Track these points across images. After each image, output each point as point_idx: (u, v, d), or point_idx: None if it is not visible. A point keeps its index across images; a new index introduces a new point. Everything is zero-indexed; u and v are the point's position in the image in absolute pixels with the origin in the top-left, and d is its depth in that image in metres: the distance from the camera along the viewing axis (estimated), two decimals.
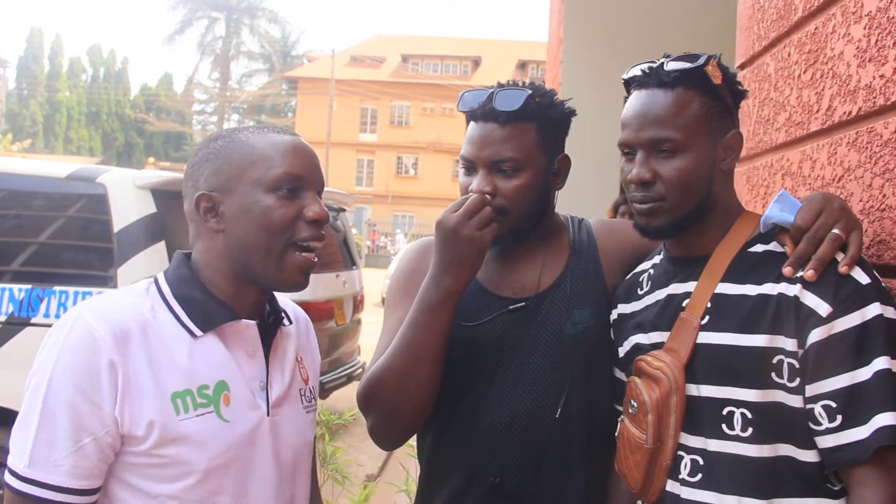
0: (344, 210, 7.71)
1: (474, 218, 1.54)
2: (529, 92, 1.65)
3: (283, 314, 1.47)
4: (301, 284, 1.38)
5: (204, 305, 1.34)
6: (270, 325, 1.44)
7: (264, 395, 1.38)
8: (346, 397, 6.93)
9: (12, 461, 1.24)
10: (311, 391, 1.51)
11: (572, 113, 1.73)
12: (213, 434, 1.29)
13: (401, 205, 43.95)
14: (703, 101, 1.42)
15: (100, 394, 1.23)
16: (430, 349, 1.57)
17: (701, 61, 1.41)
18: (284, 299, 1.55)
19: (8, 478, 1.23)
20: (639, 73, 1.47)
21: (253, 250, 1.33)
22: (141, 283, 1.39)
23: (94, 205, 4.21)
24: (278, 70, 53.31)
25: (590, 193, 3.34)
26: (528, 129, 1.64)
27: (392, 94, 43.99)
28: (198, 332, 1.33)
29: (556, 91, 1.72)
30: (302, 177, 1.35)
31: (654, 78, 1.44)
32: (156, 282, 1.38)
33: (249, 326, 1.38)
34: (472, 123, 1.68)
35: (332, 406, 3.54)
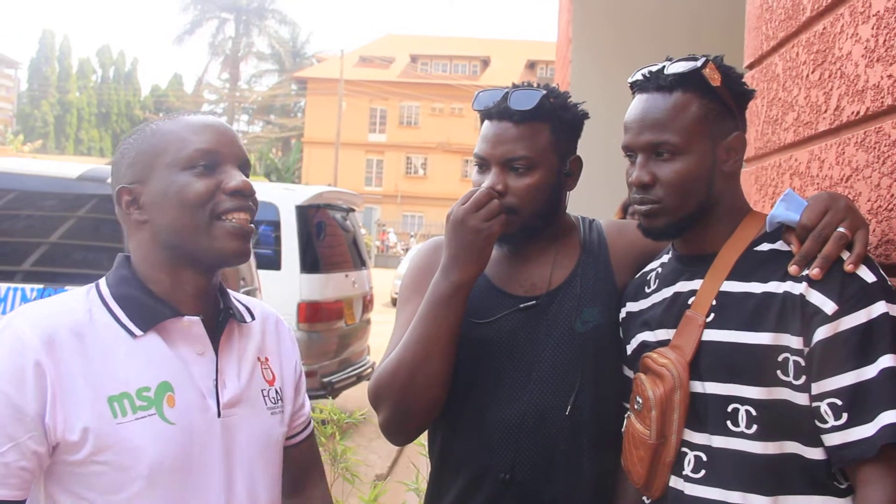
0: (353, 210, 7.73)
1: (482, 210, 1.56)
2: (544, 92, 1.67)
3: (235, 311, 1.41)
4: (239, 251, 1.32)
5: (142, 303, 1.30)
6: (221, 321, 1.38)
7: (215, 394, 1.32)
8: (356, 397, 6.96)
9: None
10: (276, 392, 1.44)
11: (585, 115, 1.75)
12: (156, 437, 1.23)
13: (410, 205, 43.98)
14: (702, 104, 1.42)
15: (24, 398, 1.17)
16: (441, 342, 1.58)
17: (698, 64, 1.42)
18: (251, 299, 1.50)
19: None
20: (640, 77, 1.49)
21: (179, 231, 1.30)
22: (83, 287, 1.34)
23: (105, 205, 4.24)
24: (288, 70, 53.44)
25: (599, 193, 3.35)
26: (542, 130, 1.66)
27: (401, 95, 44.02)
28: (137, 331, 1.28)
29: (569, 93, 1.74)
30: (217, 150, 1.32)
31: (653, 82, 1.46)
32: (97, 285, 1.34)
33: (194, 323, 1.32)
34: (486, 122, 1.70)
35: (342, 405, 3.55)
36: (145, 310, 1.29)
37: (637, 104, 1.48)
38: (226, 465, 1.31)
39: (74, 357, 1.21)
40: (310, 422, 1.60)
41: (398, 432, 1.69)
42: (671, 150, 1.42)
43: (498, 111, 1.67)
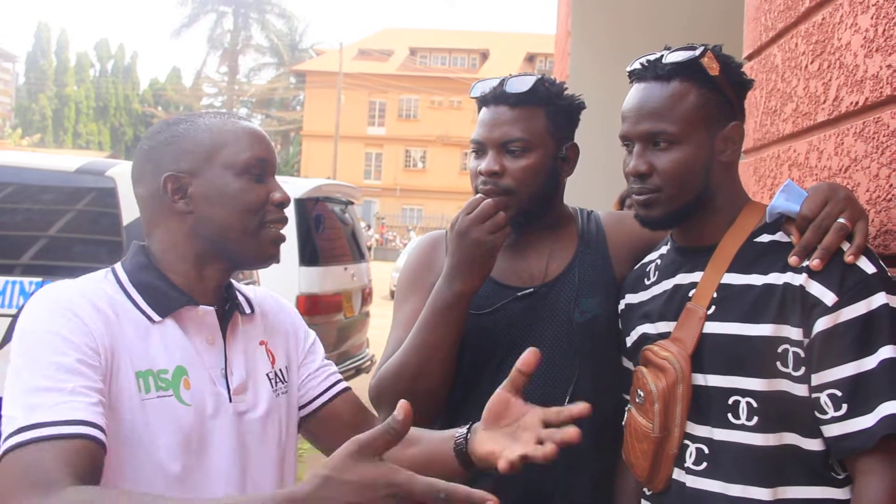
0: (352, 203, 7.72)
1: (487, 222, 1.55)
2: (539, 76, 1.70)
3: (239, 301, 1.45)
4: (274, 257, 1.41)
5: (161, 291, 1.34)
6: (227, 311, 1.42)
7: (224, 382, 1.36)
8: (354, 389, 6.97)
9: (7, 427, 1.12)
10: (280, 372, 1.47)
11: (581, 104, 1.76)
12: (174, 417, 1.27)
13: (409, 198, 43.95)
14: (700, 94, 1.42)
15: (81, 334, 1.20)
16: (443, 349, 1.60)
17: (696, 53, 1.42)
18: (246, 288, 1.53)
19: (7, 442, 1.10)
20: (638, 66, 1.48)
21: (228, 230, 1.35)
22: (97, 272, 1.37)
23: (103, 198, 4.24)
24: (286, 64, 53.33)
25: (596, 185, 3.34)
26: (538, 114, 1.68)
27: (400, 88, 43.95)
28: (156, 317, 1.32)
29: (566, 83, 1.75)
30: (268, 161, 1.39)
31: (651, 71, 1.45)
32: (112, 271, 1.37)
33: (208, 313, 1.37)
34: (483, 109, 1.73)
35: None
36: (163, 297, 1.33)
37: (634, 93, 1.48)
38: (237, 448, 1.35)
39: (111, 326, 1.25)
40: (340, 379, 1.59)
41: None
42: (668, 140, 1.42)
43: (494, 96, 1.70)
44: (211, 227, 1.35)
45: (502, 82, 1.70)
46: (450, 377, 1.63)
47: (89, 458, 1.11)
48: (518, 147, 1.66)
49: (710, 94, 1.43)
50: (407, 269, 1.83)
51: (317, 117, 43.36)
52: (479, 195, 1.59)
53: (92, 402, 1.15)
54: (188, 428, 1.28)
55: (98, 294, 1.28)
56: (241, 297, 1.47)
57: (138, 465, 1.23)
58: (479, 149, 1.71)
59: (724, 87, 1.43)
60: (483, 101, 1.73)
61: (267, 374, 1.45)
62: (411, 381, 1.61)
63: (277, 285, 6.07)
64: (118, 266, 1.38)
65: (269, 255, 1.39)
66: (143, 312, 1.31)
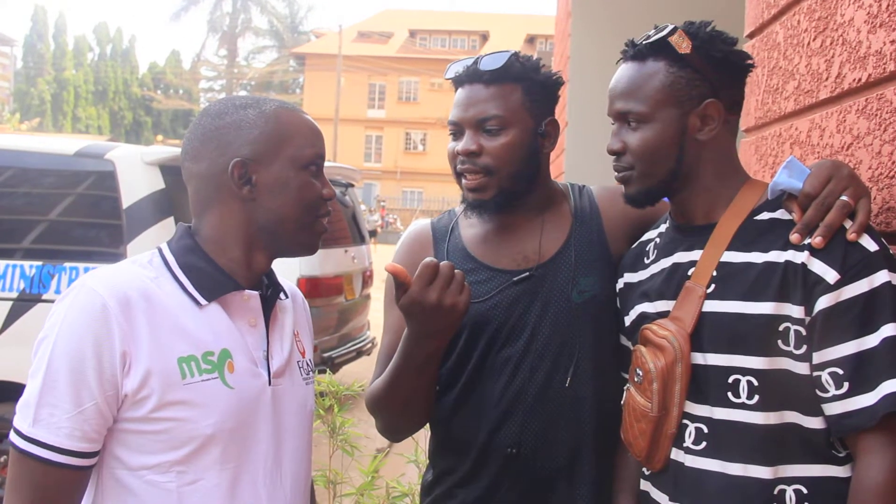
0: (352, 185, 7.71)
1: (452, 285, 1.49)
2: (513, 52, 1.68)
3: (280, 286, 1.50)
4: (317, 248, 1.46)
5: (209, 275, 1.37)
6: (269, 297, 1.46)
7: (265, 365, 1.40)
8: (356, 372, 6.98)
9: (18, 422, 1.26)
10: (308, 364, 1.53)
11: (560, 80, 1.75)
12: (219, 400, 1.31)
13: (409, 181, 43.90)
14: (670, 72, 1.43)
15: (103, 358, 1.25)
16: (420, 391, 1.63)
17: (664, 32, 1.43)
18: (279, 278, 1.57)
19: (13, 437, 1.26)
20: (624, 47, 1.51)
21: (286, 221, 1.39)
22: (144, 254, 1.40)
23: (103, 181, 4.22)
24: (286, 46, 53.10)
25: (597, 166, 3.33)
26: (514, 90, 1.66)
27: (400, 70, 43.80)
28: (202, 300, 1.35)
29: (542, 60, 1.74)
30: (324, 158, 1.44)
31: (629, 52, 1.49)
32: (160, 252, 1.40)
33: (252, 297, 1.41)
34: (458, 89, 1.71)
35: (340, 380, 3.56)
36: (211, 281, 1.37)
37: (616, 74, 1.51)
38: (274, 431, 1.39)
39: (145, 318, 1.28)
40: None
41: (392, 438, 1.81)
42: (637, 119, 1.45)
43: (468, 75, 1.68)
44: (270, 216, 1.38)
45: (476, 61, 1.68)
46: (430, 406, 1.69)
47: (65, 489, 1.26)
48: (495, 125, 1.64)
49: (681, 73, 1.43)
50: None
51: (316, 100, 43.20)
52: (428, 258, 1.50)
53: (90, 427, 1.25)
54: (232, 410, 1.32)
55: (133, 285, 1.30)
56: (281, 283, 1.52)
57: (177, 446, 1.28)
58: (456, 130, 1.69)
59: (697, 64, 1.43)
60: (458, 82, 1.71)
61: (297, 362, 1.49)
62: (394, 416, 1.69)
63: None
64: (165, 248, 1.40)
65: (314, 246, 1.45)
66: (190, 295, 1.34)
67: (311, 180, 1.40)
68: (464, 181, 1.69)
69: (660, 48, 1.43)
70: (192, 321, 1.33)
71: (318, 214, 1.42)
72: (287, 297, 1.52)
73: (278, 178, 1.37)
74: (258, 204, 1.38)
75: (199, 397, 1.29)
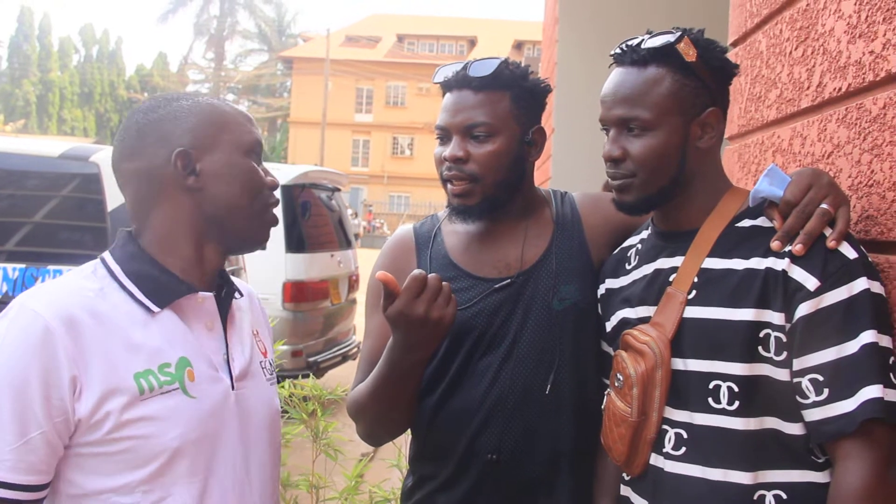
0: (339, 190, 7.70)
1: (439, 298, 1.50)
2: (503, 59, 1.68)
3: (234, 285, 1.45)
4: (266, 241, 1.42)
5: (158, 280, 1.30)
6: (224, 297, 1.41)
7: (227, 369, 1.35)
8: (341, 377, 6.96)
9: None
10: (270, 364, 1.50)
11: (548, 88, 1.75)
12: (181, 411, 1.25)
13: (396, 185, 43.86)
14: (675, 80, 1.41)
15: (49, 385, 1.17)
16: (402, 400, 1.64)
17: (672, 38, 1.41)
18: (233, 277, 1.52)
19: None
20: (618, 50, 1.48)
21: (236, 208, 1.34)
22: (87, 265, 1.33)
23: (87, 184, 4.21)
24: (273, 50, 52.99)
25: (583, 171, 3.35)
26: (502, 98, 1.66)
27: (387, 75, 43.79)
28: (154, 308, 1.28)
29: (531, 66, 1.74)
30: (262, 145, 1.41)
31: (629, 56, 1.45)
32: (103, 262, 1.33)
33: (207, 299, 1.35)
34: (446, 94, 1.70)
35: (324, 384, 3.55)
36: (161, 286, 1.30)
37: (612, 78, 1.48)
38: (241, 436, 1.35)
39: (94, 336, 1.21)
40: None
41: (373, 443, 1.81)
42: (641, 126, 1.42)
43: (457, 80, 1.68)
44: (219, 205, 1.33)
45: (465, 66, 1.68)
46: (412, 413, 1.69)
47: None
48: (482, 132, 1.64)
49: (686, 80, 1.42)
50: (374, 276, 1.78)
51: (304, 104, 43.17)
52: (416, 271, 1.50)
53: (37, 458, 1.18)
54: (196, 421, 1.27)
55: (77, 302, 1.23)
56: (235, 282, 1.47)
57: (140, 464, 1.22)
58: (444, 135, 1.69)
59: (701, 72, 1.43)
60: (446, 86, 1.70)
61: (260, 363, 1.45)
62: (375, 422, 1.70)
63: (264, 272, 6.05)
64: (108, 257, 1.33)
65: (265, 238, 1.41)
66: (141, 304, 1.28)
67: (255, 166, 1.36)
68: (450, 187, 1.69)
69: (663, 54, 1.41)
70: (145, 332, 1.26)
71: (267, 203, 1.38)
72: (242, 295, 1.47)
73: (223, 164, 1.33)
74: (205, 193, 1.32)
75: (161, 411, 1.23)
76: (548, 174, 5.45)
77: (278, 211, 1.45)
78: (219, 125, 1.35)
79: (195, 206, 1.33)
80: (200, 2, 53.88)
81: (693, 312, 1.39)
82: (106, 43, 59.82)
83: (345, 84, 43.53)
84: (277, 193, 1.43)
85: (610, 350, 1.60)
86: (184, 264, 1.33)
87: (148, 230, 1.34)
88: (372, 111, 45.40)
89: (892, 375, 1.25)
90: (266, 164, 1.50)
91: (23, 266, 4.04)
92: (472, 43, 45.21)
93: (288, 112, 47.58)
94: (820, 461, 1.32)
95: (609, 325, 1.59)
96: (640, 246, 1.59)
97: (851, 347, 1.25)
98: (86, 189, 4.21)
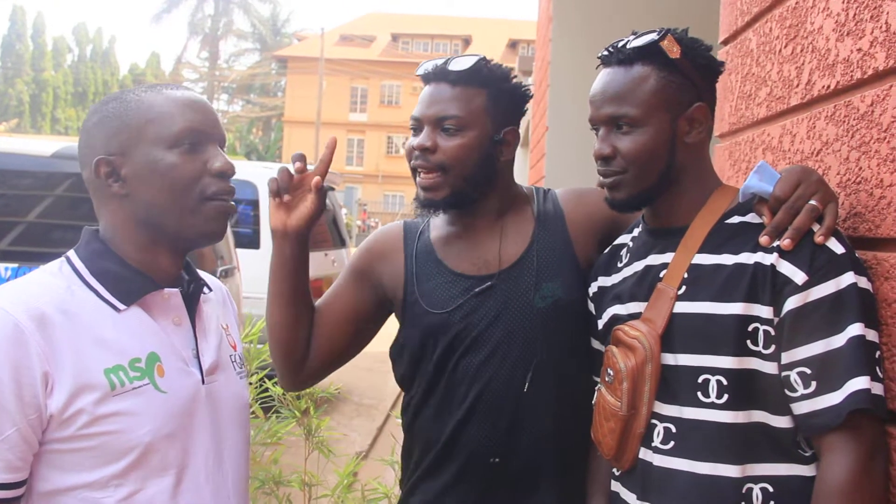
0: (333, 189, 7.71)
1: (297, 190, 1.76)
2: (482, 57, 1.70)
3: (202, 280, 1.45)
4: (220, 232, 1.36)
5: (123, 278, 1.30)
6: (192, 293, 1.40)
7: (196, 363, 1.35)
8: (334, 374, 6.97)
9: None
10: (240, 357, 1.49)
11: (528, 93, 1.77)
12: (152, 406, 1.25)
13: (391, 184, 43.85)
14: (661, 76, 1.44)
15: (22, 381, 1.17)
16: (281, 298, 1.75)
17: (655, 37, 1.44)
18: (200, 271, 1.52)
19: None
20: (605, 52, 1.51)
21: (164, 210, 1.30)
22: (52, 263, 1.33)
23: (80, 183, 4.18)
24: (268, 49, 52.92)
25: (575, 170, 3.36)
26: (478, 94, 1.68)
27: (382, 74, 43.78)
28: (121, 305, 1.28)
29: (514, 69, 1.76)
30: (202, 131, 1.33)
31: (615, 56, 1.48)
32: (68, 261, 1.32)
33: (173, 295, 1.34)
34: (425, 87, 1.73)
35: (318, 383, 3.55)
36: (126, 284, 1.30)
37: (600, 78, 1.51)
38: (213, 430, 1.35)
39: (64, 333, 1.21)
40: None
41: (280, 378, 1.82)
42: (629, 123, 1.45)
43: (436, 73, 1.71)
44: (147, 208, 1.30)
45: (447, 61, 1.71)
46: (292, 328, 1.74)
47: None
48: (452, 125, 1.66)
49: (672, 77, 1.44)
50: (359, 247, 1.88)
51: (298, 103, 43.11)
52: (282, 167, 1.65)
53: (14, 456, 1.17)
54: (167, 415, 1.27)
55: (46, 300, 1.23)
56: (202, 277, 1.46)
57: (112, 460, 1.23)
58: (417, 125, 1.72)
59: (685, 69, 1.45)
60: (426, 79, 1.74)
61: (230, 356, 1.45)
62: (268, 324, 1.76)
63: (256, 271, 6.05)
64: (73, 255, 1.33)
65: (212, 232, 1.34)
66: (108, 302, 1.28)
67: (183, 158, 1.29)
68: (418, 179, 1.71)
69: (648, 53, 1.44)
70: (114, 329, 1.26)
71: (205, 194, 1.31)
72: (211, 290, 1.47)
73: (144, 165, 1.29)
74: (133, 198, 1.30)
75: (133, 406, 1.23)
76: (542, 172, 5.46)
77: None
78: (139, 123, 1.30)
79: (127, 212, 1.32)
80: (195, 1, 53.85)
81: (683, 308, 1.40)
82: (100, 42, 59.68)
83: (339, 83, 43.51)
84: (227, 179, 1.34)
85: (601, 348, 1.61)
86: (141, 263, 1.33)
87: (102, 231, 1.35)
88: (366, 110, 45.37)
89: (878, 369, 1.26)
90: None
91: (15, 265, 4.03)
92: (467, 42, 45.23)
93: (282, 111, 47.52)
94: (807, 454, 1.33)
95: (601, 323, 1.60)
96: (631, 244, 1.60)
97: (839, 341, 1.26)
98: (79, 188, 4.19)
